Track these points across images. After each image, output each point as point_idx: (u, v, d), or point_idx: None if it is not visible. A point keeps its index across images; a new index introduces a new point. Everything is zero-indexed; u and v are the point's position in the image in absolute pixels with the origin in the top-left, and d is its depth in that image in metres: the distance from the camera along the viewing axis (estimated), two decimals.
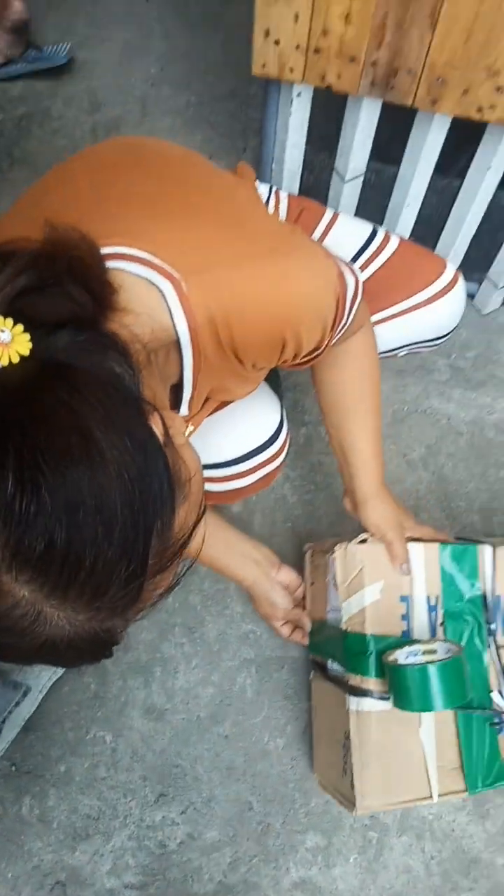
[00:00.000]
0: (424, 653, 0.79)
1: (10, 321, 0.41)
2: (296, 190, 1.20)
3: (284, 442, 0.84)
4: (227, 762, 0.99)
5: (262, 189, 0.88)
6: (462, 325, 1.29)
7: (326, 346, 0.67)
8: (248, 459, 0.81)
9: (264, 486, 0.86)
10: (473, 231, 1.17)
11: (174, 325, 0.54)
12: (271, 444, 0.82)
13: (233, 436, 0.81)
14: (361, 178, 1.15)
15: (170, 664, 1.04)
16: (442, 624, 0.84)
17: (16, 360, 0.41)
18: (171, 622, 1.06)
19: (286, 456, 0.87)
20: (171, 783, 0.98)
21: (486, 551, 0.87)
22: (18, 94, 1.52)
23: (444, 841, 0.97)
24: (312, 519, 1.14)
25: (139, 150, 0.68)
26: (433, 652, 0.79)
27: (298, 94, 1.03)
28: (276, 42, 0.93)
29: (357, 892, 0.94)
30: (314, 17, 0.89)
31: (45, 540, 0.38)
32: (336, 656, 0.88)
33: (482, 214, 1.14)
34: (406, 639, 0.83)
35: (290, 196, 0.89)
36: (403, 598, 0.85)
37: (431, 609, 0.84)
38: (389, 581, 0.85)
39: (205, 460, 0.78)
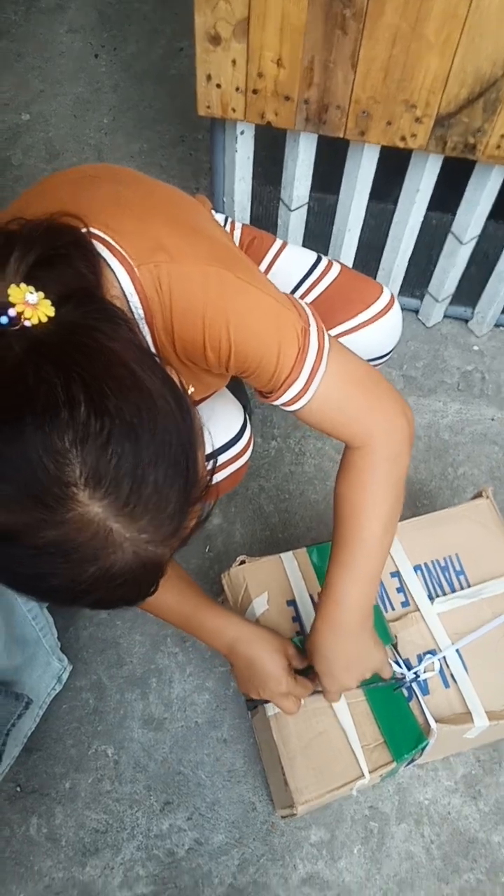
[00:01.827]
0: None
1: (31, 287, 0.47)
2: (247, 220, 1.28)
3: (249, 441, 0.90)
4: (228, 765, 1.02)
5: (219, 217, 0.95)
6: (410, 337, 1.39)
7: (281, 399, 0.68)
8: (215, 457, 0.86)
9: (233, 484, 0.90)
10: (410, 250, 1.27)
11: (129, 303, 0.60)
12: (236, 442, 0.88)
13: None
14: (305, 207, 1.24)
15: (165, 674, 1.07)
16: None
17: (44, 319, 0.47)
18: (162, 633, 1.10)
19: (251, 455, 0.92)
20: (175, 790, 1.01)
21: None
22: None
23: (442, 824, 1.00)
24: (290, 525, 1.20)
25: (117, 169, 0.74)
26: None
27: (242, 132, 1.13)
28: (218, 85, 1.02)
29: (364, 883, 0.96)
30: (249, 62, 0.99)
31: (117, 457, 0.45)
32: None
33: (416, 234, 1.23)
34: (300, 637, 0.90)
35: (243, 226, 0.97)
36: (290, 603, 0.92)
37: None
38: (273, 590, 0.93)
39: None
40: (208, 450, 0.85)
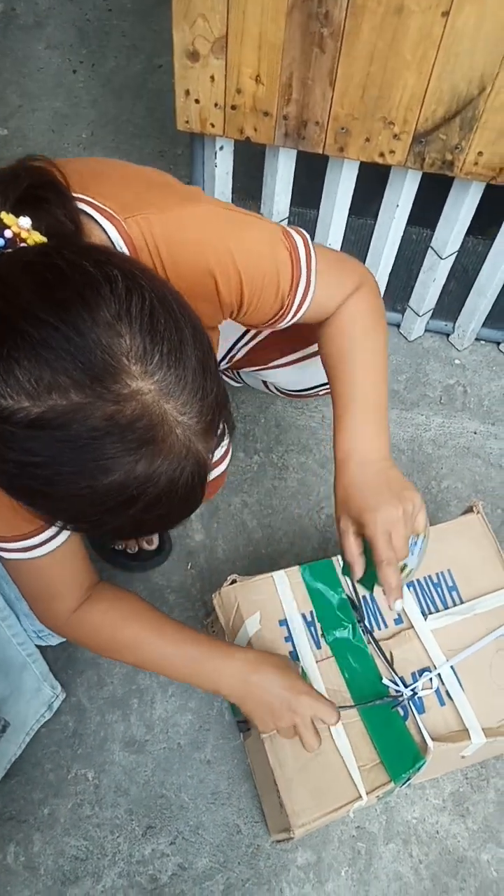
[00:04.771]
0: None
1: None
2: None
3: (226, 451, 0.89)
4: (212, 787, 1.00)
5: None
6: (392, 351, 1.39)
7: (294, 305, 0.70)
8: None
9: (209, 495, 0.89)
10: (391, 265, 1.27)
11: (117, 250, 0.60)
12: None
13: None
14: (286, 222, 1.24)
15: (146, 695, 1.05)
16: (323, 634, 0.90)
17: (40, 241, 0.49)
18: None
19: (229, 463, 0.90)
20: (158, 814, 0.98)
21: (339, 561, 0.95)
22: None
23: (430, 844, 0.99)
24: (273, 541, 1.19)
25: (86, 158, 0.76)
26: None
27: (221, 147, 1.13)
28: (196, 101, 1.02)
29: None
30: (228, 78, 0.99)
31: (161, 330, 0.46)
32: None
33: (396, 249, 1.24)
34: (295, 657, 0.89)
35: None
36: (282, 623, 0.91)
37: (309, 624, 0.91)
38: (265, 610, 0.92)
39: None
40: None
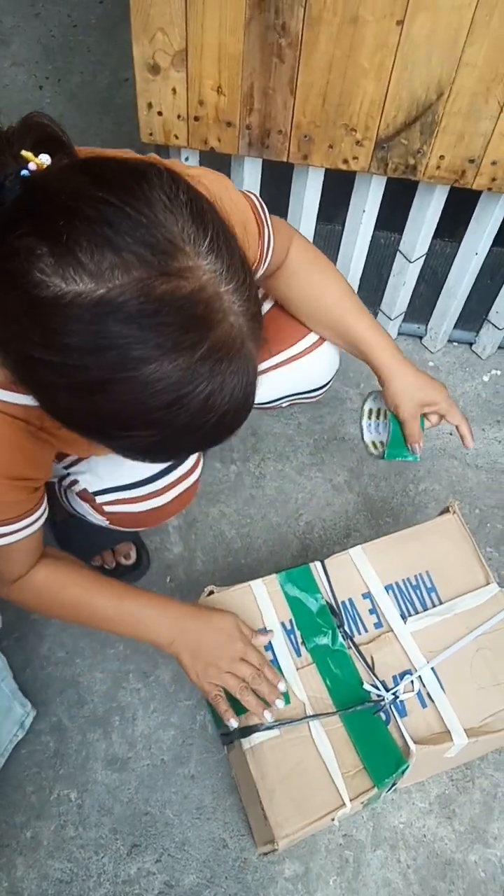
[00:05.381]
0: None
1: None
2: None
3: (198, 460, 0.88)
4: (197, 802, 0.99)
5: None
6: None
7: (264, 254, 0.77)
8: (163, 477, 0.83)
9: (183, 504, 0.88)
10: (361, 270, 1.28)
11: None
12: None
13: None
14: None
15: (127, 712, 1.04)
16: (303, 642, 0.90)
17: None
18: (124, 669, 1.07)
19: (200, 474, 0.89)
20: (143, 832, 0.97)
21: (317, 567, 0.95)
22: None
23: (418, 848, 0.98)
24: (252, 550, 1.19)
25: None
26: None
27: (186, 159, 1.13)
28: (159, 113, 1.03)
29: None
30: (189, 90, 0.99)
31: (208, 220, 0.48)
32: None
33: (365, 254, 1.25)
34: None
35: None
36: (262, 631, 0.90)
37: (289, 632, 0.90)
38: (244, 619, 0.90)
39: (121, 481, 0.82)
40: (158, 468, 0.83)
